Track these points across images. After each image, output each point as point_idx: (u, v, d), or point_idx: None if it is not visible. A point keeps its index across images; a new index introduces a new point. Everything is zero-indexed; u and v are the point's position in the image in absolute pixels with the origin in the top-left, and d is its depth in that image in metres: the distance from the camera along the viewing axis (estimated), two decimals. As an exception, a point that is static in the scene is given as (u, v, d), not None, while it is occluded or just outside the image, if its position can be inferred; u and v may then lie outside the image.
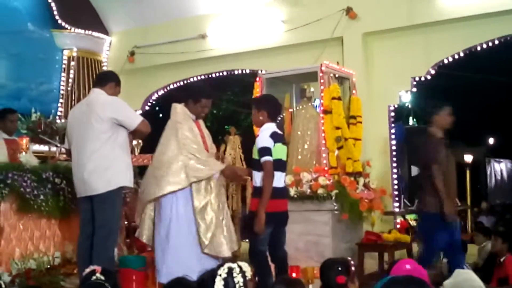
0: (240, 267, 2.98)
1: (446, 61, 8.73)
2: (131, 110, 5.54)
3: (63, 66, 10.68)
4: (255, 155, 5.37)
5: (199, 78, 10.75)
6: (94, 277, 3.44)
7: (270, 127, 5.42)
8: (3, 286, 3.53)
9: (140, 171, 7.29)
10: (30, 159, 6.34)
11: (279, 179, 5.39)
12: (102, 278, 3.42)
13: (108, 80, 5.59)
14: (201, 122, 5.81)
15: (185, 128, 5.45)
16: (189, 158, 5.35)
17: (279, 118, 8.27)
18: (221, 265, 3.00)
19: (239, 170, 6.06)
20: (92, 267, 3.60)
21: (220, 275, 2.92)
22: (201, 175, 5.34)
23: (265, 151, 5.25)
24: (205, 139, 5.63)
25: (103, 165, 5.24)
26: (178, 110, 5.57)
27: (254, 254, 5.36)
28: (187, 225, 5.33)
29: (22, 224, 5.85)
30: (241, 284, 2.90)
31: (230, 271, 2.94)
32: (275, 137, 5.35)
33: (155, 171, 5.41)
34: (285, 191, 5.67)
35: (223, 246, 5.40)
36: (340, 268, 3.53)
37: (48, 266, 5.88)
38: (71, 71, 10.65)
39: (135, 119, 5.43)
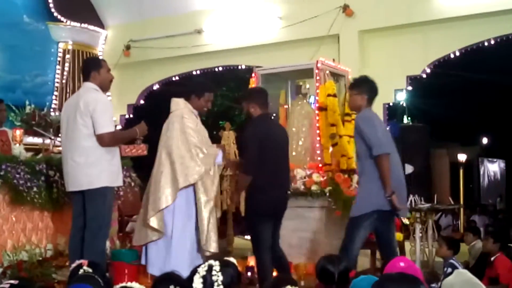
0: (222, 265, 2.98)
1: (442, 60, 8.75)
2: (108, 117, 5.32)
3: (58, 58, 10.65)
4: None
5: (194, 73, 10.75)
6: (81, 270, 3.44)
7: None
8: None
9: (134, 164, 7.26)
10: (22, 151, 6.33)
11: None
12: (90, 270, 3.42)
13: (89, 71, 5.42)
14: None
15: (189, 121, 5.49)
16: (190, 156, 5.37)
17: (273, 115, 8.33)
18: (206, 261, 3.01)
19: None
20: (78, 262, 3.59)
21: (199, 273, 2.92)
22: (200, 173, 5.36)
23: None
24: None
25: (87, 162, 5.20)
26: (182, 105, 5.56)
27: None
28: (188, 219, 5.38)
29: (14, 216, 5.83)
30: (220, 283, 2.90)
31: (210, 268, 2.94)
32: None
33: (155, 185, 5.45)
34: None
35: (215, 242, 5.44)
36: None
37: (40, 258, 5.86)
38: (66, 64, 10.63)
39: (105, 126, 5.22)
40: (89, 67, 5.50)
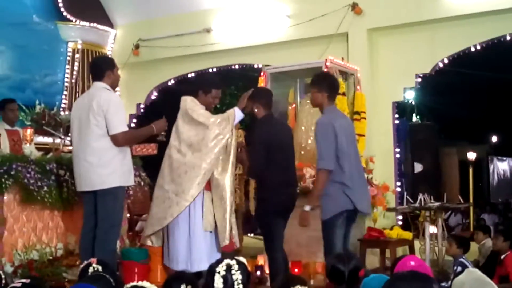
0: (239, 263, 2.99)
1: (451, 58, 8.71)
2: (121, 117, 5.36)
3: (68, 58, 10.67)
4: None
5: (203, 72, 10.74)
6: (90, 268, 3.45)
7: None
8: (2, 276, 3.52)
9: (144, 163, 7.27)
10: (33, 150, 6.35)
11: None
12: (100, 268, 3.43)
13: (103, 70, 5.42)
14: None
15: (197, 110, 5.60)
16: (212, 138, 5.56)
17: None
18: (220, 261, 3.01)
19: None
20: (86, 262, 3.61)
21: (219, 273, 2.92)
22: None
23: None
24: None
25: (99, 162, 5.22)
26: (189, 101, 5.61)
27: None
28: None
29: (25, 215, 5.86)
30: (240, 281, 2.90)
31: (229, 268, 2.94)
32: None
33: (175, 178, 5.53)
34: None
35: (236, 237, 5.59)
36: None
37: (51, 257, 5.88)
38: (76, 64, 10.64)
39: (119, 126, 5.24)
40: (102, 66, 5.48)
